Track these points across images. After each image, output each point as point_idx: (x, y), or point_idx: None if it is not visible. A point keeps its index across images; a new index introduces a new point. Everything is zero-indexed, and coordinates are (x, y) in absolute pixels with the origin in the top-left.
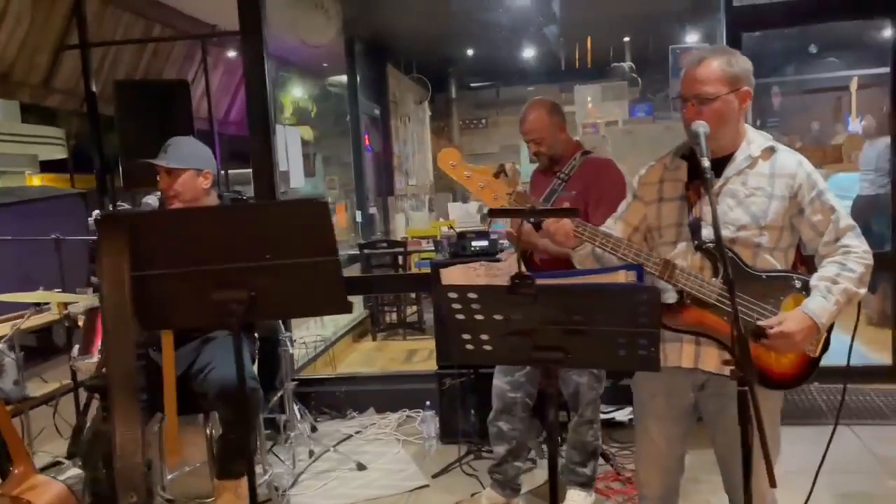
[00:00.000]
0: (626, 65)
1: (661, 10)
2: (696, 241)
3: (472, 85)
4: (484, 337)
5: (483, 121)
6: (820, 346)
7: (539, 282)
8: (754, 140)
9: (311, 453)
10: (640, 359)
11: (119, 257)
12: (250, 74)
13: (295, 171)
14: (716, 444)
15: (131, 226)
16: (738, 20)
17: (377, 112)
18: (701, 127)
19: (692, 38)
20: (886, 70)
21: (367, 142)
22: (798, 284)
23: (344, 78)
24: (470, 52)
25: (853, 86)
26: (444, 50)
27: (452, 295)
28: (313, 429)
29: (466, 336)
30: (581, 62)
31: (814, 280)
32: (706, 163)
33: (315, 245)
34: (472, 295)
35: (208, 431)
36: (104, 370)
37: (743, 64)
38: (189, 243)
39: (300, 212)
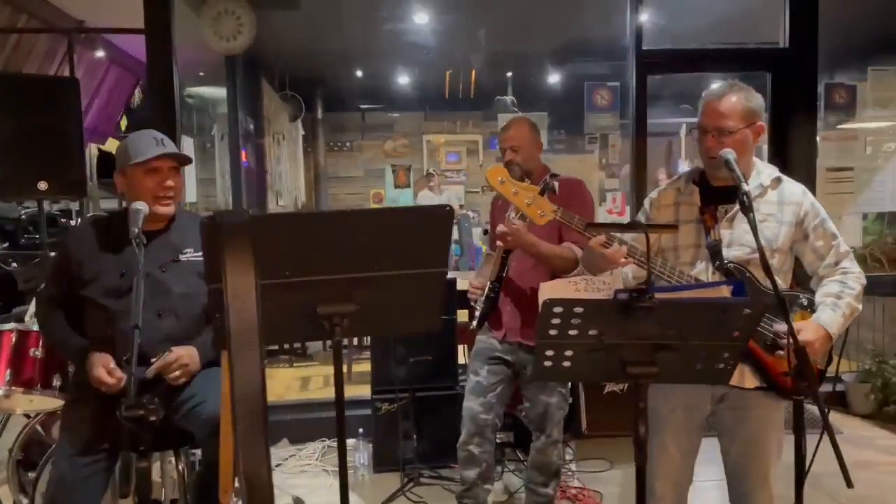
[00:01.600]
0: (509, 98)
1: (537, 50)
2: (716, 262)
3: (361, 107)
4: (568, 353)
5: (348, 144)
6: (826, 358)
7: (658, 296)
8: (763, 170)
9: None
10: (716, 372)
11: (245, 268)
12: (155, 78)
13: (189, 185)
14: (729, 455)
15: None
16: (645, 63)
17: (252, 127)
18: (730, 154)
19: (554, 77)
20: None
21: (244, 158)
22: (805, 302)
23: (204, 90)
24: (338, 73)
25: (682, 132)
26: (315, 70)
27: (557, 309)
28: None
29: (550, 353)
30: (463, 93)
31: (819, 297)
32: (746, 187)
33: (429, 255)
34: (578, 309)
35: (181, 468)
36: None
37: (758, 100)
38: (301, 249)
39: (425, 219)
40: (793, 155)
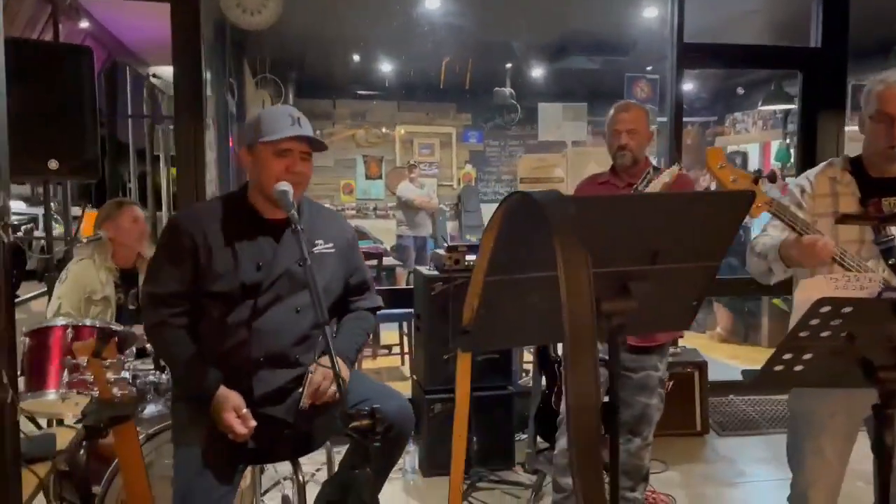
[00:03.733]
0: (507, 90)
1: (537, 42)
2: (891, 260)
3: (358, 93)
4: (806, 357)
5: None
6: None
7: None
8: None
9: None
10: None
11: (580, 260)
12: (182, 52)
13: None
14: None
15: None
16: (685, 57)
17: (234, 111)
18: None
19: (553, 70)
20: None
21: (231, 143)
22: None
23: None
24: (314, 58)
25: None
26: (289, 54)
27: (825, 309)
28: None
29: (788, 356)
30: (444, 83)
31: None
32: None
33: (711, 246)
34: (846, 309)
35: (301, 478)
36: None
37: None
38: (587, 237)
39: (723, 205)
40: (821, 151)
